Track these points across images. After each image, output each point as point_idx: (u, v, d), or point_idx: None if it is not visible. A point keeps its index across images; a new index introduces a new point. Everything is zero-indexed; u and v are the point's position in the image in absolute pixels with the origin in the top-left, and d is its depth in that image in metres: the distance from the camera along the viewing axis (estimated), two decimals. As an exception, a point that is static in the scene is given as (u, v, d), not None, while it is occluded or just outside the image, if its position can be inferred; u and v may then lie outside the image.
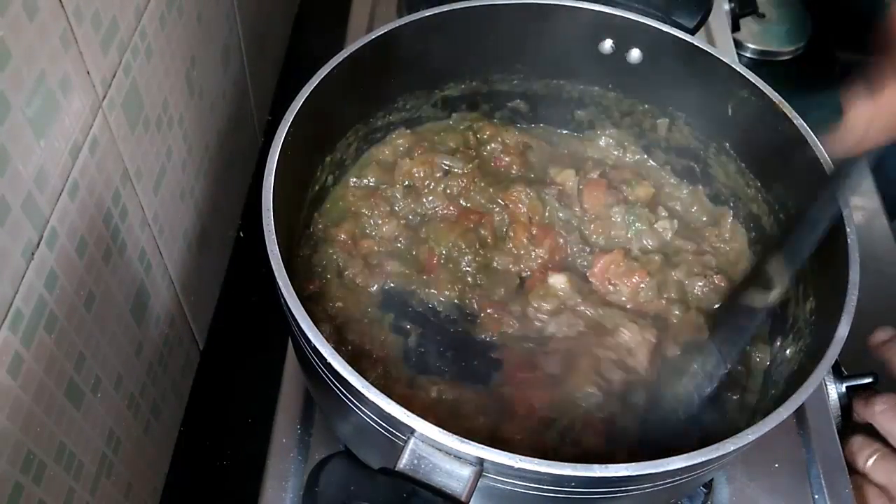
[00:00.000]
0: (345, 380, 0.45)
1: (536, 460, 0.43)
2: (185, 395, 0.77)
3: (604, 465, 0.43)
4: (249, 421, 0.77)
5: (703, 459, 0.45)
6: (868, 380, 0.71)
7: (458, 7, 0.68)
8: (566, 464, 0.43)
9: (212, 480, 0.75)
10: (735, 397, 0.63)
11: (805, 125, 0.61)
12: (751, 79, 0.65)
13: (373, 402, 0.44)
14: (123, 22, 0.56)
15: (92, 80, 0.52)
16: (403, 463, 0.44)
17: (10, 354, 0.45)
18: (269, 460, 0.65)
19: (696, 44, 0.67)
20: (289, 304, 0.48)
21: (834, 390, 0.71)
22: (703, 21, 0.85)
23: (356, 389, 0.45)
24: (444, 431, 0.43)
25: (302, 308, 0.48)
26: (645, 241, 0.70)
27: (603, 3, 0.70)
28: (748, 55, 1.13)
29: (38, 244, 0.47)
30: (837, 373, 0.72)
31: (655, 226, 0.71)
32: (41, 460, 0.49)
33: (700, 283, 0.67)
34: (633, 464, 0.43)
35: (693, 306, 0.67)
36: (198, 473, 0.75)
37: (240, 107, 0.87)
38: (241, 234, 0.90)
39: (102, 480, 0.58)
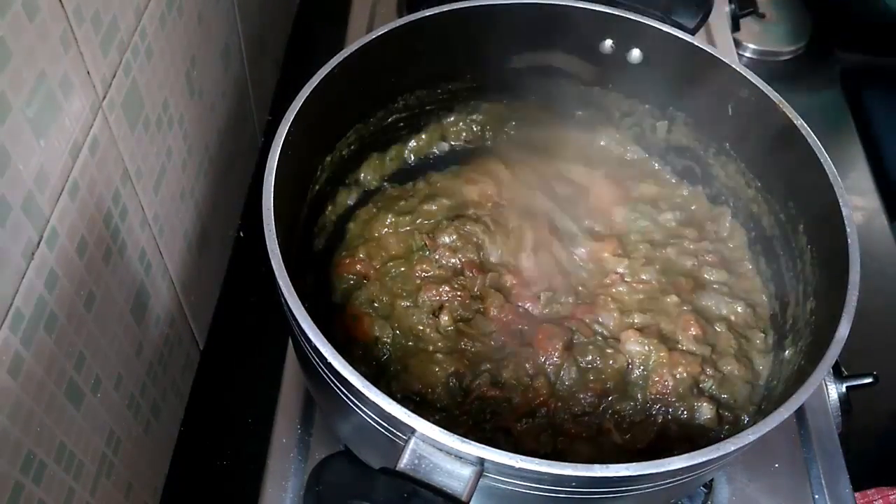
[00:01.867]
0: (345, 379, 0.45)
1: (537, 460, 0.43)
2: (185, 395, 0.77)
3: (604, 465, 0.43)
4: (249, 421, 0.77)
5: (703, 459, 0.45)
6: (868, 380, 0.71)
7: (458, 7, 0.68)
8: (566, 464, 0.43)
9: (212, 480, 0.75)
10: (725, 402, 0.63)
11: (805, 125, 0.61)
12: (751, 79, 0.65)
13: (373, 402, 0.44)
14: (123, 22, 0.56)
15: (92, 80, 0.52)
16: (404, 463, 0.44)
17: (10, 354, 0.45)
18: (269, 460, 0.65)
19: (696, 44, 0.67)
20: (289, 304, 0.48)
21: (834, 390, 0.71)
22: (703, 21, 0.85)
23: (357, 389, 0.45)
24: (445, 431, 0.43)
25: (302, 308, 0.48)
26: (653, 237, 0.71)
27: (603, 3, 0.70)
28: (748, 55, 1.13)
29: (39, 244, 0.47)
30: (837, 373, 0.72)
31: (659, 218, 0.71)
32: (41, 460, 0.49)
33: (691, 262, 0.68)
34: (633, 464, 0.43)
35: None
36: (198, 473, 0.75)
37: (240, 107, 0.87)
38: (241, 234, 0.90)
39: (102, 480, 0.58)
